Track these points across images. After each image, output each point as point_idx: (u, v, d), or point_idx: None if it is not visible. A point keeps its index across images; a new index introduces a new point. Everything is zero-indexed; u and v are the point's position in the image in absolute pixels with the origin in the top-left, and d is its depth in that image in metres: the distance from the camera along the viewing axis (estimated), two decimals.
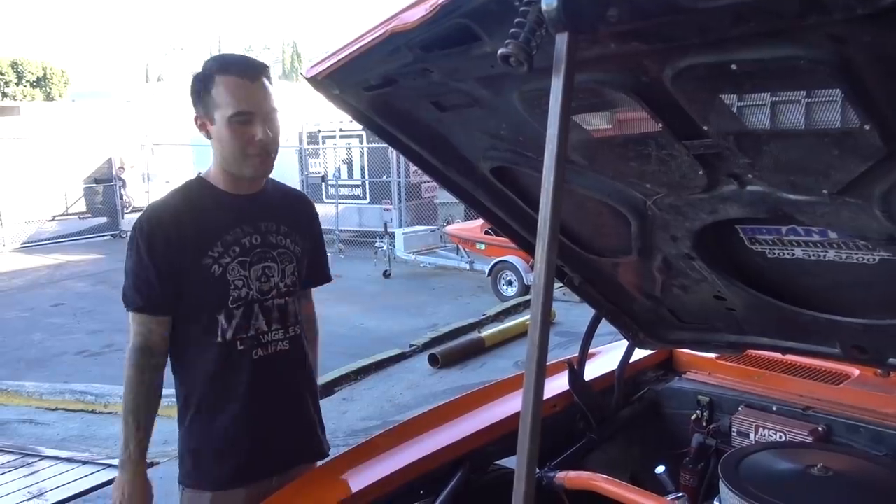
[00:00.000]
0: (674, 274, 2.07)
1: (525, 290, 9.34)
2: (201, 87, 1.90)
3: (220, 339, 1.97)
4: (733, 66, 1.16)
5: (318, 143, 16.71)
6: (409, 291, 10.81)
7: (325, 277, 2.33)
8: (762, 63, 1.13)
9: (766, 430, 2.29)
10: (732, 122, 1.32)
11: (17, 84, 40.56)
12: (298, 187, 15.60)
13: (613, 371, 2.58)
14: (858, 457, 2.00)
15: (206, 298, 1.96)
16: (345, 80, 1.68)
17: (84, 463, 4.86)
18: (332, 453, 4.60)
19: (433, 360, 6.47)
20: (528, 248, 2.24)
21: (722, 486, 1.87)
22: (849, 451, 2.10)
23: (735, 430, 2.38)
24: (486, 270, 10.01)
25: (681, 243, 1.89)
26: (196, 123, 1.96)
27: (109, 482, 3.72)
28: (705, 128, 1.35)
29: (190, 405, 2.04)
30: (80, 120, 21.66)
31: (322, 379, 6.06)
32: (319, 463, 2.26)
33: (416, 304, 9.79)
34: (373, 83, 1.65)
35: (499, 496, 2.17)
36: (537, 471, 2.17)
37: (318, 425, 2.27)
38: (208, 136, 1.94)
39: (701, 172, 1.50)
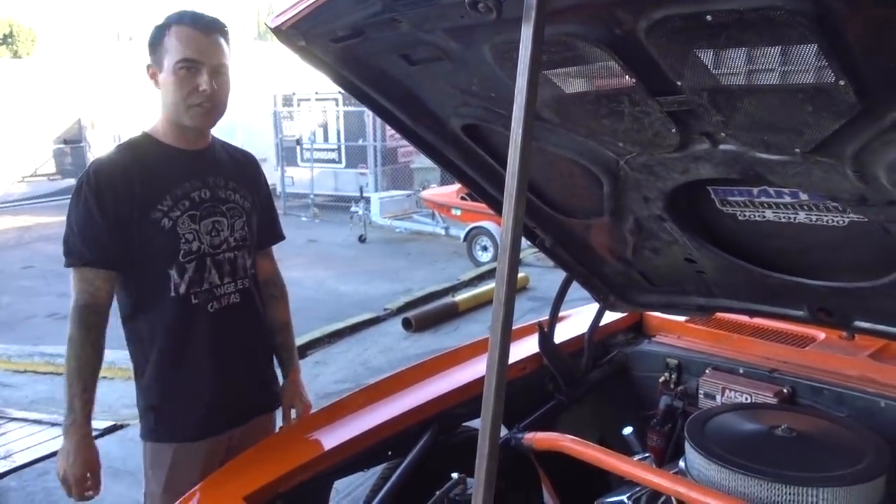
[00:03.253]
0: (645, 236, 2.06)
1: None
2: (156, 37, 1.90)
3: (173, 294, 1.96)
4: (708, 17, 1.13)
5: (292, 105, 16.45)
6: (385, 256, 10.77)
7: (277, 235, 2.33)
8: (738, 14, 1.10)
9: (733, 392, 2.31)
10: (706, 78, 1.29)
11: None
12: (272, 151, 15.36)
13: (583, 334, 2.58)
14: (821, 417, 2.03)
15: (156, 252, 1.94)
16: (310, 30, 1.62)
17: (52, 425, 4.81)
18: None
19: (407, 323, 6.47)
20: (500, 209, 2.20)
21: (687, 447, 1.89)
22: (812, 412, 2.12)
23: (702, 392, 2.40)
24: (462, 236, 9.99)
25: (652, 204, 1.87)
26: (148, 73, 1.94)
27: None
28: (679, 83, 1.33)
29: (148, 360, 2.02)
30: (48, 79, 21.06)
31: (296, 342, 6.06)
32: (278, 415, 2.30)
33: (392, 269, 9.77)
34: (340, 34, 1.59)
35: (467, 456, 2.18)
36: (506, 432, 2.18)
37: (272, 376, 2.29)
38: (157, 85, 1.93)
39: (674, 130, 1.48)
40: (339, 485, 2.13)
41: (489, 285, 7.78)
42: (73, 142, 18.63)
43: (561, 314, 2.86)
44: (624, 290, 2.46)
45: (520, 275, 8.15)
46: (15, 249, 11.76)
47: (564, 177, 1.97)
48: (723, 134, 1.44)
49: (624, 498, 1.91)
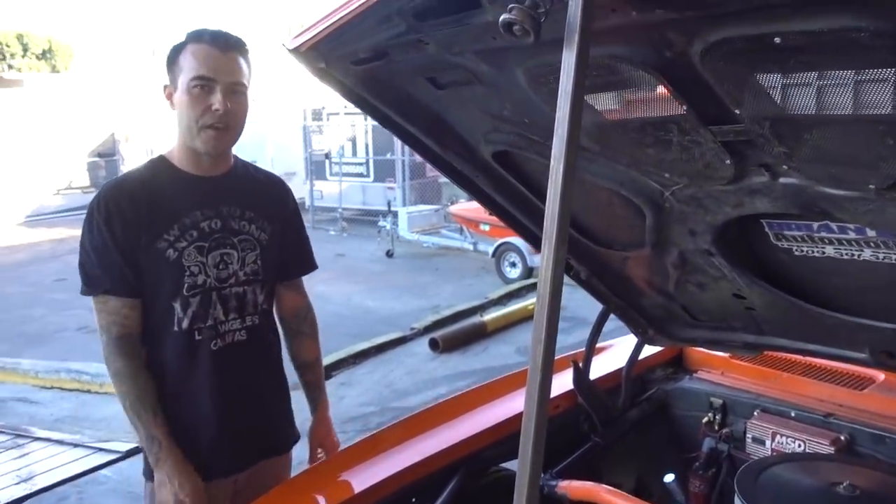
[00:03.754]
0: (690, 270, 1.91)
1: (529, 272, 9.18)
2: (173, 55, 1.81)
3: (176, 329, 1.86)
4: (777, 40, 0.99)
5: (322, 120, 16.49)
6: (412, 271, 10.66)
7: (308, 265, 2.18)
8: (813, 36, 0.96)
9: (784, 438, 2.13)
10: (770, 106, 1.15)
11: (23, 56, 40.26)
12: (302, 165, 15.41)
13: (620, 369, 2.43)
14: (887, 472, 1.85)
15: (160, 284, 1.84)
16: (331, 51, 1.51)
17: (75, 446, 4.73)
18: None
19: (434, 344, 6.33)
20: (532, 240, 2.08)
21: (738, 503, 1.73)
22: (875, 464, 1.94)
23: (750, 435, 2.23)
24: (490, 251, 9.84)
25: (700, 238, 1.72)
26: (164, 94, 1.85)
27: (100, 466, 3.57)
28: (737, 111, 1.19)
29: None
30: (84, 93, 21.44)
31: (324, 379, 5.95)
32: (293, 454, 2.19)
33: (419, 285, 9.65)
34: (362, 56, 1.48)
35: (496, 500, 2.03)
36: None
37: (284, 418, 2.13)
38: (172, 106, 1.84)
39: (728, 162, 1.34)
40: None
41: (518, 304, 7.63)
42: (107, 155, 18.88)
43: (600, 345, 2.71)
44: (664, 323, 2.31)
45: None
46: (49, 262, 11.88)
47: (602, 207, 1.83)
48: (785, 167, 1.29)
49: None
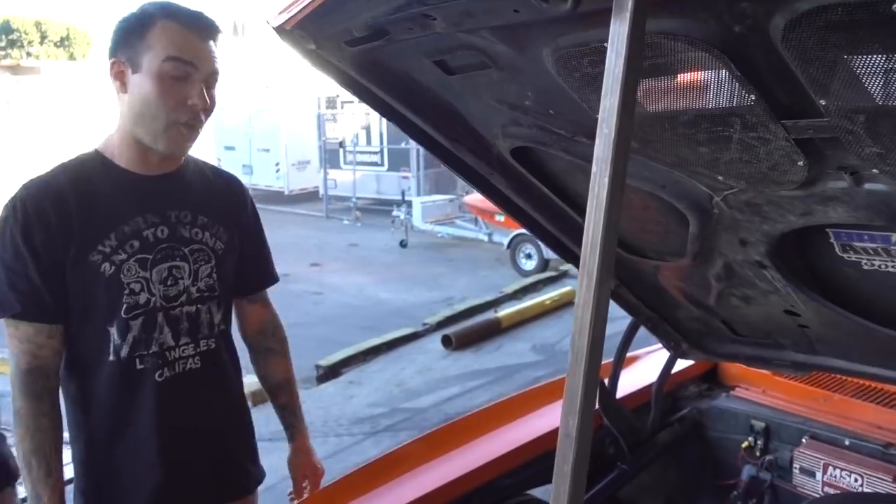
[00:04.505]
0: (735, 283, 1.67)
1: (544, 264, 8.93)
2: (134, 28, 1.49)
3: (112, 357, 1.55)
4: (895, 7, 0.74)
5: (336, 108, 16.26)
6: (426, 262, 10.44)
7: (270, 277, 1.89)
8: None
9: (838, 471, 1.89)
10: (865, 96, 0.90)
11: (41, 44, 40.32)
12: (315, 153, 15.27)
13: (650, 385, 2.19)
14: None
15: (92, 304, 1.54)
16: (320, 30, 1.27)
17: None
18: (336, 442, 4.35)
19: (446, 341, 6.11)
20: (553, 245, 1.84)
21: None
22: None
23: (797, 465, 1.99)
24: (505, 243, 9.59)
25: (752, 249, 1.48)
26: (111, 71, 1.52)
27: None
28: (822, 102, 0.94)
29: (81, 437, 1.61)
30: (101, 81, 21.31)
31: (329, 359, 5.74)
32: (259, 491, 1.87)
33: (433, 276, 9.43)
34: (357, 35, 1.24)
35: None
36: None
37: (246, 456, 1.82)
38: (123, 88, 1.51)
39: (801, 163, 1.09)
40: None
41: (534, 300, 7.39)
42: None
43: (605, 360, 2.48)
44: (700, 337, 2.07)
45: (567, 288, 7.76)
46: None
47: (636, 210, 1.59)
48: (875, 170, 1.05)
49: None
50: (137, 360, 1.57)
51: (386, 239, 11.89)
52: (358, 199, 14.53)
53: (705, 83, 1.03)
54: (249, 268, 1.80)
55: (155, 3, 1.51)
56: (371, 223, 13.52)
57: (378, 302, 8.13)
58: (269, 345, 1.90)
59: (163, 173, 1.61)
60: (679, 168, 1.30)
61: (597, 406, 2.05)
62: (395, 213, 12.37)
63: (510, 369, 5.31)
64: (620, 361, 2.06)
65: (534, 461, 1.97)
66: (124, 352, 1.55)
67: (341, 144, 15.34)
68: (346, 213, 14.31)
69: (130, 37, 1.49)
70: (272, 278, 1.90)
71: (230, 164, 17.44)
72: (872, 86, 0.89)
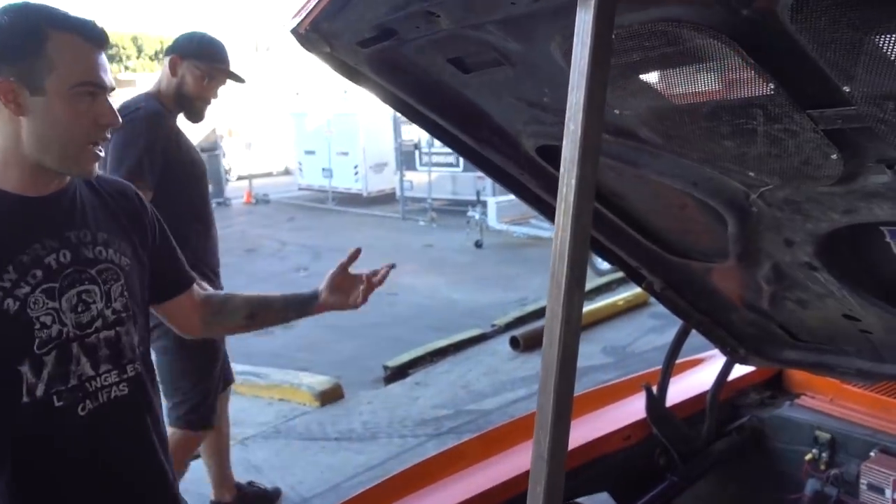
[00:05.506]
0: (787, 285, 1.56)
1: None
2: (18, 41, 1.33)
3: (27, 399, 1.42)
4: None
5: None
6: (501, 263, 10.35)
7: (186, 280, 1.75)
8: None
9: None
10: (893, 80, 0.81)
11: (137, 58, 42.53)
12: (392, 155, 15.46)
13: (705, 392, 2.08)
14: None
15: None
16: (333, 33, 1.26)
17: None
18: (400, 444, 4.36)
19: (514, 343, 6.02)
20: (597, 249, 1.77)
21: None
22: None
23: (865, 481, 1.84)
24: None
25: (798, 249, 1.38)
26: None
27: None
28: (846, 89, 0.86)
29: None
30: None
31: (397, 360, 5.77)
32: None
33: (507, 277, 9.34)
34: (367, 36, 1.23)
35: None
36: None
37: (175, 485, 1.71)
38: (19, 111, 1.34)
39: (835, 157, 1.00)
40: None
41: (606, 300, 7.21)
42: (209, 150, 19.49)
43: (679, 361, 2.38)
44: (759, 343, 1.95)
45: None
46: None
47: (675, 210, 1.51)
48: None
49: None
50: (55, 398, 1.44)
51: (461, 239, 11.87)
52: (433, 199, 14.59)
53: (720, 72, 0.96)
54: (162, 275, 1.68)
55: (34, 9, 1.37)
56: (446, 224, 13.54)
57: (451, 303, 8.11)
58: (230, 306, 1.79)
59: (50, 193, 1.47)
60: (708, 164, 1.22)
61: (645, 414, 1.97)
62: (469, 213, 12.35)
63: (579, 372, 5.05)
64: (670, 367, 1.97)
65: (584, 466, 1.91)
66: (40, 391, 1.42)
67: (416, 146, 15.46)
68: (421, 214, 14.39)
69: (16, 51, 1.34)
70: (188, 281, 1.76)
71: (311, 168, 17.88)
72: None
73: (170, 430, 2.92)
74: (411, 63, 1.33)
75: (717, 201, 1.32)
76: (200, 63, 2.88)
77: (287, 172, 21.68)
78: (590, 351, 5.90)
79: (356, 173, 17.04)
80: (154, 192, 2.67)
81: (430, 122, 1.49)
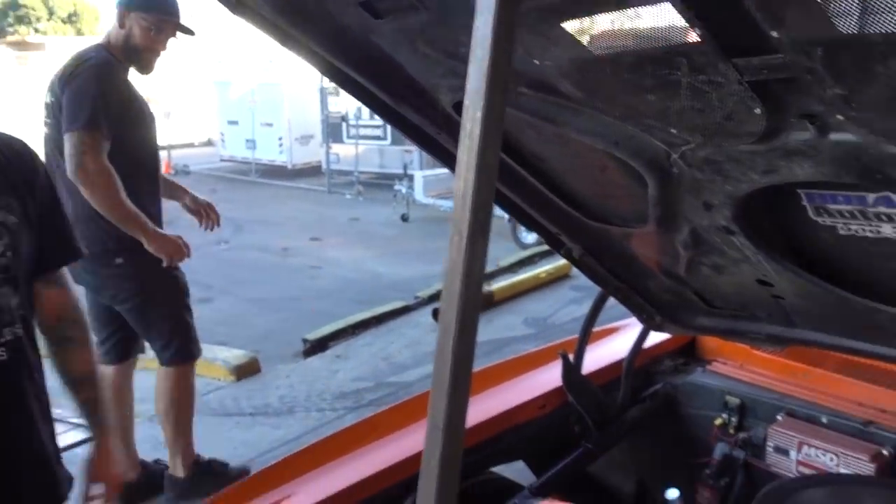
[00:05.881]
0: (704, 251, 1.55)
1: None
2: None
3: None
4: None
5: None
6: (427, 236, 10.30)
7: (72, 251, 1.66)
8: None
9: (813, 450, 1.79)
10: (824, 24, 0.78)
11: (48, 20, 40.07)
12: (318, 128, 15.29)
13: (621, 360, 2.09)
14: None
15: None
16: None
17: (57, 421, 4.53)
18: (318, 417, 4.27)
19: (437, 315, 6.01)
20: (513, 211, 1.73)
21: None
22: None
23: (771, 443, 1.88)
24: (505, 215, 9.46)
25: (717, 213, 1.36)
26: None
27: (80, 443, 3.27)
28: (775, 34, 0.82)
29: None
30: None
31: (316, 333, 5.65)
32: None
33: (432, 250, 9.30)
34: None
35: None
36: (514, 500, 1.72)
37: (58, 456, 1.62)
38: None
39: (758, 111, 0.97)
40: None
41: (530, 272, 7.27)
42: None
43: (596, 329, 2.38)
44: (675, 310, 1.96)
45: (564, 261, 7.61)
46: None
47: (595, 173, 1.47)
48: (840, 117, 0.92)
49: None
50: None
51: (387, 213, 11.78)
52: (360, 173, 14.39)
53: (644, 19, 0.91)
54: (47, 242, 1.57)
55: None
56: (373, 197, 13.40)
57: (376, 276, 8.03)
58: (69, 334, 1.65)
59: None
60: (630, 121, 1.18)
61: (561, 382, 1.95)
62: (397, 187, 12.25)
63: (500, 343, 5.21)
64: (587, 334, 1.96)
65: (499, 436, 1.88)
66: None
67: (344, 118, 15.16)
68: (348, 188, 14.19)
69: None
70: (73, 253, 1.66)
71: (234, 139, 17.32)
72: (831, 8, 0.76)
73: (165, 371, 3.09)
74: (319, 7, 1.23)
75: (638, 162, 1.28)
76: (147, 15, 2.87)
77: (209, 143, 20.93)
78: (512, 322, 5.95)
79: (281, 145, 16.62)
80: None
81: (340, 75, 1.40)
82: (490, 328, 5.61)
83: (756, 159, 1.13)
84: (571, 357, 1.96)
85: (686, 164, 1.24)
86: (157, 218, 3.00)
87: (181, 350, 3.07)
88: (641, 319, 2.03)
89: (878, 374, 2.01)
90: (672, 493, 1.74)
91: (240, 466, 3.32)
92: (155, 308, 3.02)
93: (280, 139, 16.54)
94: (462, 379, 0.71)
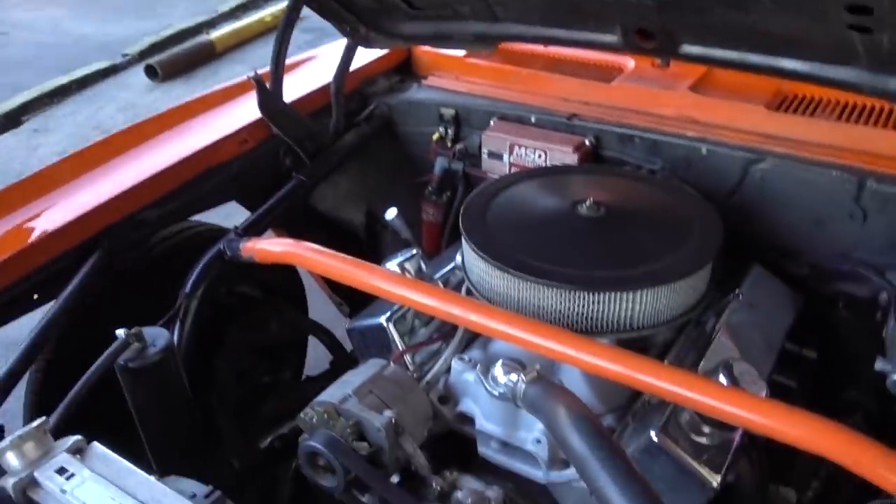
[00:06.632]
0: None
1: None
2: None
3: None
4: None
5: None
6: None
7: None
8: None
9: (523, 149, 1.78)
10: None
11: None
12: None
13: (328, 85, 1.87)
14: (632, 178, 1.57)
15: None
16: None
17: None
18: None
19: (151, 71, 5.29)
20: None
21: (465, 247, 1.37)
22: (620, 171, 1.66)
23: (485, 150, 1.85)
24: None
25: None
26: None
27: None
28: None
29: None
30: None
31: (4, 106, 4.74)
32: None
33: (147, 4, 8.04)
34: None
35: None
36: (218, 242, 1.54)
37: None
38: None
39: None
40: None
41: (254, 16, 6.58)
42: None
43: (301, 57, 2.13)
44: (378, 17, 1.73)
45: None
46: None
47: None
48: None
49: (381, 320, 1.38)
50: None
51: None
52: None
53: None
54: None
55: None
56: None
57: (79, 38, 6.82)
58: None
59: None
60: None
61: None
62: None
63: None
64: (281, 54, 1.69)
65: (199, 179, 1.64)
66: None
67: None
68: None
69: None
70: None
71: None
72: None
73: None
74: None
75: None
76: None
77: None
78: (239, 72, 5.34)
79: None
80: None
81: None
82: (215, 81, 5.08)
83: None
84: (269, 85, 1.70)
85: None
86: None
87: None
88: (345, 32, 1.79)
89: (582, 67, 2.02)
90: (391, 213, 1.65)
91: None
92: None
93: None
94: None
